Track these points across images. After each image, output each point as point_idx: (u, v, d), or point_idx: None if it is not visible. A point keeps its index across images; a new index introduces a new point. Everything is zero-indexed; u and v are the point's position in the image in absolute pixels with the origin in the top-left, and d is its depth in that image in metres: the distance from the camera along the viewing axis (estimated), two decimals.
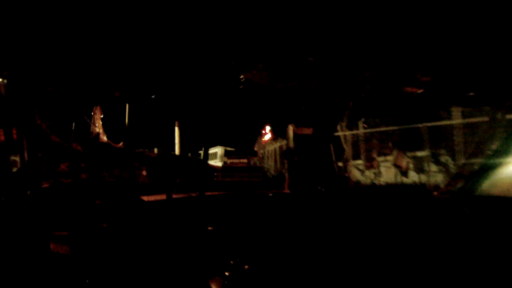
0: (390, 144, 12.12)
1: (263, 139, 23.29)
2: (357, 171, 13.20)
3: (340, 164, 14.83)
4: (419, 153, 10.64)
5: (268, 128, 22.49)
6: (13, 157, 4.77)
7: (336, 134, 13.60)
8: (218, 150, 23.11)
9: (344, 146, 14.65)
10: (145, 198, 5.50)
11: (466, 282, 2.64)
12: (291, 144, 11.58)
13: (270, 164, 19.85)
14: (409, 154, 10.97)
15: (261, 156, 19.59)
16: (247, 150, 17.76)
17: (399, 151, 10.99)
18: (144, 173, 8.51)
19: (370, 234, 3.59)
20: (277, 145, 18.71)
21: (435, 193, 8.36)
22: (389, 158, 12.06)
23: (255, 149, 19.92)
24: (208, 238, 3.92)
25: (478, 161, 7.02)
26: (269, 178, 16.58)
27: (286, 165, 13.65)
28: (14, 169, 4.72)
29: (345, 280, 2.80)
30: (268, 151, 20.75)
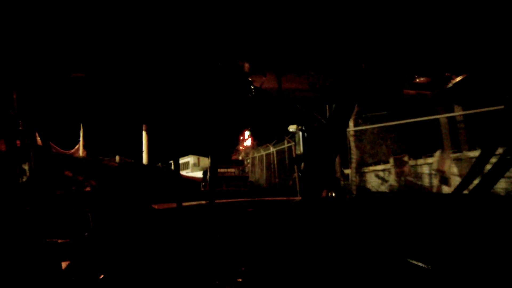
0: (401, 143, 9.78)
1: (242, 146, 20.79)
2: (377, 179, 10.63)
3: (347, 171, 12.38)
4: (470, 153, 8.22)
5: (247, 133, 20.07)
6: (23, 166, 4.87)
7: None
8: (190, 159, 20.90)
9: (353, 148, 12.18)
10: (155, 206, 5.82)
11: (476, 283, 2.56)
12: (300, 148, 9.49)
13: (258, 173, 17.05)
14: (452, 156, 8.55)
15: (246, 164, 16.91)
16: (224, 158, 17.04)
17: (442, 152, 8.51)
18: (88, 189, 6.55)
19: (379, 240, 3.52)
20: (270, 150, 15.95)
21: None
22: (420, 161, 9.63)
23: (239, 158, 17.42)
24: (218, 245, 4.08)
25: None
26: (257, 187, 14.96)
27: (295, 171, 11.20)
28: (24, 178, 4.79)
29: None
30: (254, 158, 17.94)
